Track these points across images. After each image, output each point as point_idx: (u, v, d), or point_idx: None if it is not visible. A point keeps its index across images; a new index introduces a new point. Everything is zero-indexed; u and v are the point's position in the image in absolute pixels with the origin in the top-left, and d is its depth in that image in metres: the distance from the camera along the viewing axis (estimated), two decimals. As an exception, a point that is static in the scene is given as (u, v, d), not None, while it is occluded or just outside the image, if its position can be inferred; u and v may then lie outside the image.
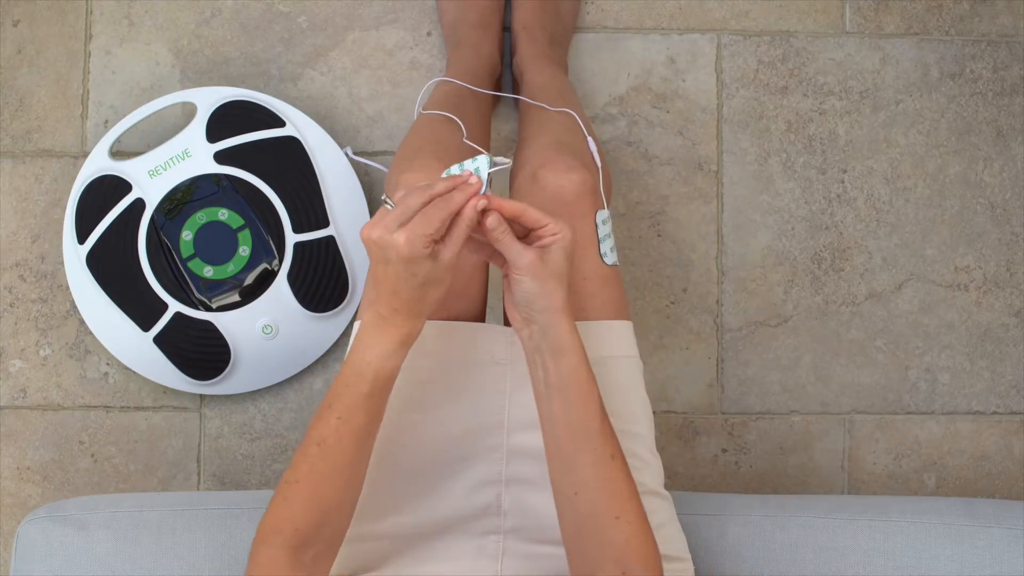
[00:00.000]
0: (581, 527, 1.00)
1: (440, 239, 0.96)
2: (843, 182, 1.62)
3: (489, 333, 1.14)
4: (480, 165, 0.99)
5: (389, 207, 0.97)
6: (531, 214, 0.98)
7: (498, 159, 1.01)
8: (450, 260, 0.97)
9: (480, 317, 1.21)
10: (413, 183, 1.13)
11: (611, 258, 1.17)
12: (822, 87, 1.63)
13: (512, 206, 0.98)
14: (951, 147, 1.63)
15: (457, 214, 0.96)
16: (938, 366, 1.62)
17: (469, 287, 1.19)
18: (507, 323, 1.22)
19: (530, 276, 0.98)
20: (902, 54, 1.63)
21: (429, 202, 0.95)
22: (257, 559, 0.97)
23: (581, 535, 1.00)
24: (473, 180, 0.98)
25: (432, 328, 1.13)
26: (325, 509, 0.99)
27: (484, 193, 0.98)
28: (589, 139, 1.24)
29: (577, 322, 1.12)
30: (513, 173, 1.24)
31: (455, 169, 1.00)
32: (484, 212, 0.97)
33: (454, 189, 0.97)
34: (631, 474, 1.00)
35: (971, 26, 1.64)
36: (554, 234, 0.97)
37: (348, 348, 1.04)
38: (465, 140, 1.16)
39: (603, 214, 1.16)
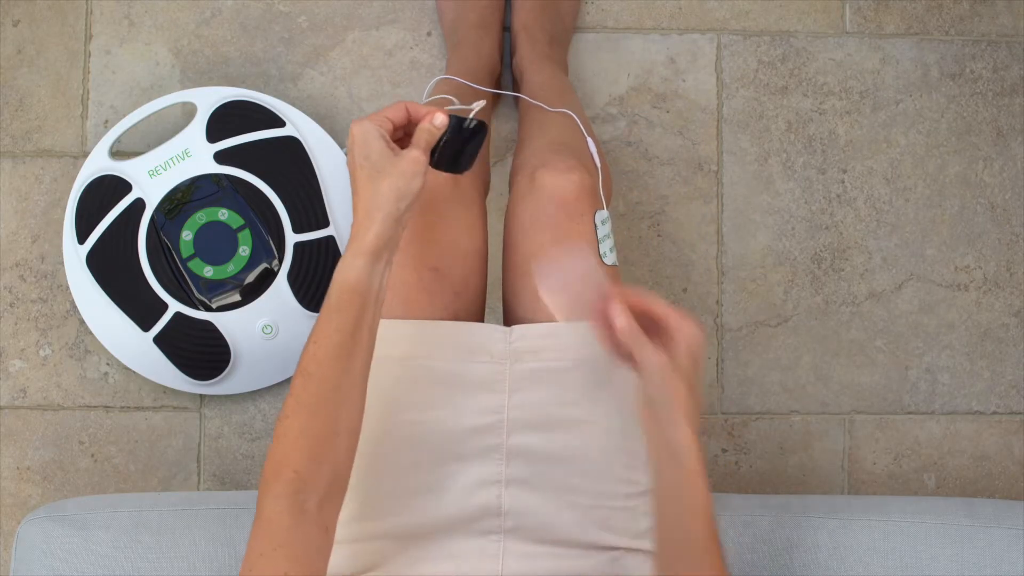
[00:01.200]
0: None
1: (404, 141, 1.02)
2: (843, 182, 1.62)
3: (489, 333, 1.14)
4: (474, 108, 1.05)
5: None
6: (658, 306, 0.95)
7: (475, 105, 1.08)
8: (412, 158, 1.00)
9: (479, 317, 1.21)
10: None
11: (610, 258, 1.17)
12: (822, 87, 1.63)
13: (638, 300, 0.96)
14: (951, 147, 1.63)
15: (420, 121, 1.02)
16: (938, 366, 1.62)
17: (468, 287, 1.18)
18: (507, 323, 1.22)
19: (659, 380, 0.95)
20: (902, 54, 1.63)
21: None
22: (261, 514, 0.95)
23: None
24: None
25: (432, 328, 1.13)
26: (318, 443, 0.96)
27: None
28: (589, 140, 1.24)
29: (572, 322, 1.12)
30: (512, 174, 1.24)
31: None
32: (613, 314, 0.95)
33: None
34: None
35: (971, 26, 1.64)
36: (683, 332, 0.94)
37: None
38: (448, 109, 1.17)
39: (602, 214, 1.16)
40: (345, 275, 0.98)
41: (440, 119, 1.03)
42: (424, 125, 1.03)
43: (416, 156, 1.00)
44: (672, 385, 0.94)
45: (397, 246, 1.02)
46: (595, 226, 1.16)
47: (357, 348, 0.99)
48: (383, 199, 0.99)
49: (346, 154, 1.01)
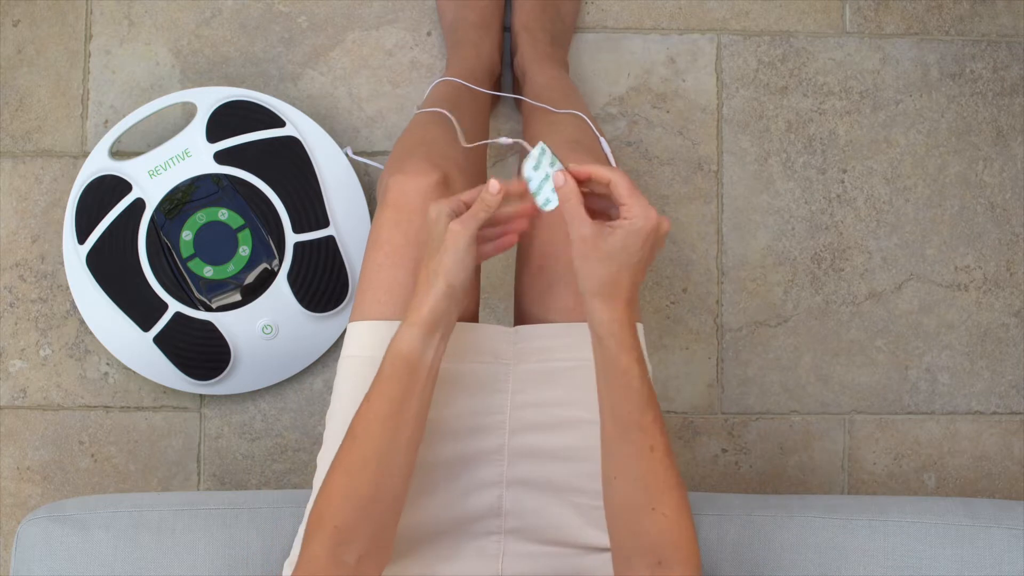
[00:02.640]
0: (618, 514, 1.00)
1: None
2: (843, 182, 1.62)
3: (492, 333, 1.14)
4: (536, 158, 1.00)
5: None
6: (618, 184, 0.95)
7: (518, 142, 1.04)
8: (455, 230, 0.98)
9: (474, 316, 1.21)
10: (402, 186, 1.14)
11: None
12: (822, 87, 1.63)
13: (590, 169, 0.96)
14: (951, 147, 1.63)
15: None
16: (938, 366, 1.62)
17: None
18: (517, 321, 1.22)
19: (577, 252, 0.96)
20: (902, 54, 1.63)
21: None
22: (303, 555, 0.98)
23: (617, 522, 1.01)
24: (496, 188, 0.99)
25: None
26: (362, 503, 0.99)
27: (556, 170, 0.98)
28: (602, 139, 1.24)
29: (580, 322, 1.12)
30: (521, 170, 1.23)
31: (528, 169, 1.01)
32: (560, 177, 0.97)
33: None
34: (673, 466, 0.99)
35: (971, 26, 1.64)
36: (628, 218, 0.94)
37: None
38: (464, 145, 1.17)
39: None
40: (399, 345, 1.00)
41: (493, 186, 0.99)
42: (481, 203, 0.99)
43: (455, 229, 0.98)
44: (590, 262, 0.95)
45: (453, 323, 1.03)
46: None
47: (404, 418, 1.01)
48: (437, 274, 1.00)
49: (433, 227, 1.01)
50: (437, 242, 0.99)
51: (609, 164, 1.19)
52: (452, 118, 1.22)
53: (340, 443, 1.02)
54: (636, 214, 0.94)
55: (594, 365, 1.00)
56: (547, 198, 1.02)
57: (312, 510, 1.01)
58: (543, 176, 1.02)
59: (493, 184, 0.98)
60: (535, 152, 1.01)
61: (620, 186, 0.95)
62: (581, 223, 0.95)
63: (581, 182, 0.97)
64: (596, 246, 0.95)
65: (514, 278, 1.24)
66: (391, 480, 1.02)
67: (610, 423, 1.00)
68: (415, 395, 1.02)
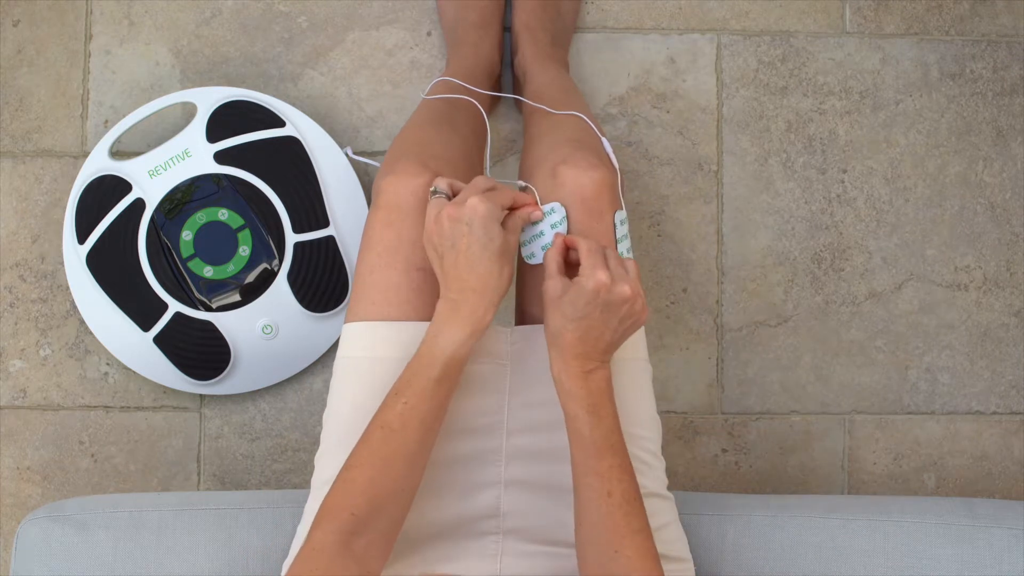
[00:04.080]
0: (586, 557, 1.03)
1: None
2: (843, 182, 1.62)
3: (490, 333, 1.14)
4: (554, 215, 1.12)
5: (439, 195, 1.07)
6: (581, 248, 1.06)
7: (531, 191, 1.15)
8: (515, 243, 1.06)
9: None
10: (394, 187, 1.14)
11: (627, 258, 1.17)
12: (822, 87, 1.63)
13: (572, 240, 1.08)
14: (951, 147, 1.63)
15: (515, 208, 1.08)
16: (938, 366, 1.62)
17: None
18: (518, 321, 1.22)
19: (543, 304, 1.05)
20: (902, 54, 1.63)
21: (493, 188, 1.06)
22: (310, 540, 0.99)
23: (586, 562, 1.03)
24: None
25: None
26: (383, 495, 1.01)
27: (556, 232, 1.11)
28: (603, 139, 1.24)
29: None
30: (530, 170, 1.23)
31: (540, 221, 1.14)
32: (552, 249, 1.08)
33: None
34: (634, 512, 1.02)
35: (971, 26, 1.64)
36: (580, 275, 1.03)
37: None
38: (487, 174, 1.23)
39: (621, 214, 1.16)
40: (456, 351, 1.04)
41: (537, 215, 1.10)
42: (522, 213, 1.09)
43: (516, 243, 1.08)
44: (551, 314, 1.04)
45: None
46: (614, 225, 1.15)
47: (441, 418, 1.05)
48: (504, 283, 1.05)
49: (453, 223, 1.05)
50: (501, 247, 1.04)
51: (612, 165, 1.19)
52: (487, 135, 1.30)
53: (366, 434, 1.03)
54: (584, 274, 1.03)
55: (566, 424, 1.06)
56: (531, 252, 1.14)
57: (330, 496, 1.01)
58: (537, 232, 1.13)
59: (537, 214, 1.11)
60: (559, 212, 1.12)
61: (580, 248, 1.05)
62: (550, 279, 1.05)
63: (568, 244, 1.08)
64: (552, 300, 1.04)
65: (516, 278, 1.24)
66: (415, 477, 1.04)
67: (573, 467, 1.05)
68: (450, 398, 1.06)
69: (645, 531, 1.02)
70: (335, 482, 1.02)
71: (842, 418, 1.62)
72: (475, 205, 1.03)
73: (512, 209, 1.09)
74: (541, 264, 1.15)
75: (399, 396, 1.03)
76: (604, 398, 1.04)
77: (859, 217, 1.62)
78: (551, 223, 1.13)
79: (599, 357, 1.04)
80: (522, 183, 1.17)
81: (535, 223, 1.14)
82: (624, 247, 1.16)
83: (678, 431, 1.60)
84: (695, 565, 1.18)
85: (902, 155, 1.63)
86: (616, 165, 1.19)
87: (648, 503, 1.14)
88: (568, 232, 1.13)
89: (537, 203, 1.13)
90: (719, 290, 1.61)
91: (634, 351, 1.17)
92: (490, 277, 1.03)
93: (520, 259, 1.18)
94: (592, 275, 1.02)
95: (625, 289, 1.02)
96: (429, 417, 1.03)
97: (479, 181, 1.07)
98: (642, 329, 1.19)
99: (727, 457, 1.61)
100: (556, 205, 1.12)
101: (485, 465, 1.11)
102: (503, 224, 1.06)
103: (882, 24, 1.63)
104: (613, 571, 1.00)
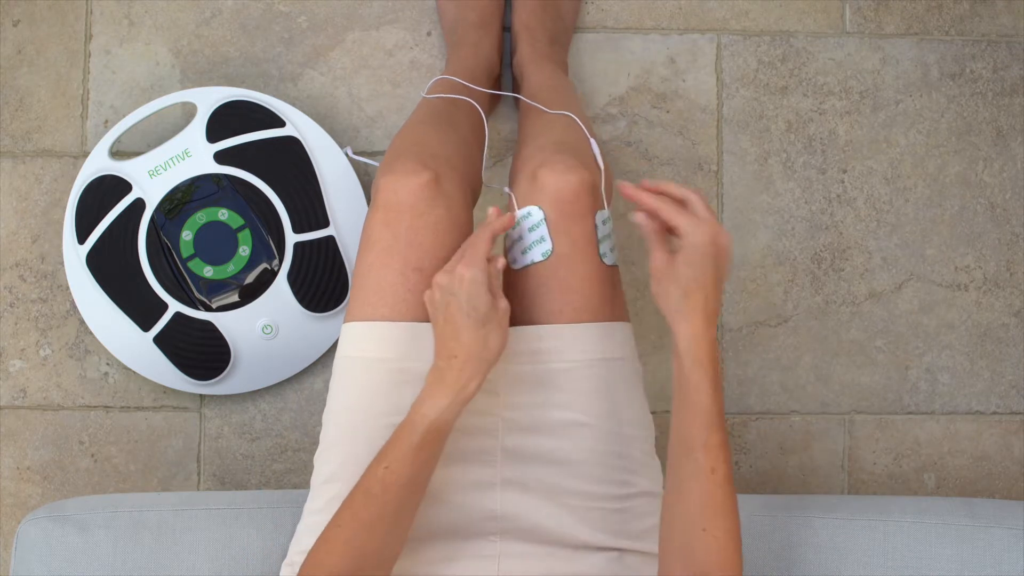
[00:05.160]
0: (671, 529, 1.02)
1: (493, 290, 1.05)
2: (843, 182, 1.62)
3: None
4: (532, 215, 1.12)
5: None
6: (664, 214, 1.03)
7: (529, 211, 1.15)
8: (504, 308, 1.05)
9: None
10: (393, 186, 1.14)
11: (610, 258, 1.17)
12: (822, 87, 1.63)
13: (648, 201, 1.03)
14: (951, 147, 1.63)
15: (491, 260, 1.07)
16: (938, 366, 1.62)
17: None
18: (510, 324, 1.22)
19: (654, 278, 1.03)
20: (902, 54, 1.63)
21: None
22: None
23: (669, 537, 1.02)
24: (494, 215, 1.09)
25: (422, 330, 1.13)
26: (363, 556, 1.01)
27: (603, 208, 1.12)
28: (591, 140, 1.24)
29: (575, 324, 1.12)
30: (513, 173, 1.24)
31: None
32: (635, 204, 1.05)
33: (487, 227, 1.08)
34: (732, 492, 1.01)
35: (971, 26, 1.64)
36: (682, 236, 1.01)
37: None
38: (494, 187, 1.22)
39: (603, 214, 1.16)
40: (439, 417, 1.03)
41: (501, 264, 1.08)
42: (492, 268, 1.07)
43: (507, 308, 1.06)
44: (666, 285, 1.02)
45: None
46: (595, 226, 1.16)
47: (424, 482, 1.05)
48: (490, 352, 1.04)
49: (443, 292, 1.06)
50: (486, 315, 1.03)
51: (596, 167, 1.19)
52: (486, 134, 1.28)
53: (349, 497, 1.03)
54: (688, 231, 1.01)
55: (675, 390, 1.04)
56: (513, 258, 1.16)
57: (310, 556, 1.02)
58: (516, 238, 1.11)
59: (502, 262, 1.08)
60: (536, 216, 1.12)
61: (665, 211, 1.02)
62: (658, 255, 1.03)
63: (651, 213, 1.04)
64: (667, 271, 1.02)
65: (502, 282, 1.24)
66: (398, 539, 1.04)
67: (676, 440, 1.02)
68: (435, 462, 1.05)
69: (736, 512, 1.01)
70: (316, 542, 1.02)
71: (842, 418, 1.62)
72: (461, 274, 1.03)
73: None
74: (523, 268, 1.16)
75: (381, 461, 1.03)
76: (719, 368, 1.03)
77: (859, 217, 1.62)
78: (529, 227, 1.14)
79: (716, 316, 1.03)
80: (507, 189, 1.18)
81: (514, 228, 1.15)
82: (607, 247, 1.16)
83: (678, 431, 1.60)
84: (695, 565, 1.18)
85: (902, 155, 1.63)
86: (602, 167, 1.19)
87: (645, 502, 1.14)
88: (550, 233, 1.13)
89: (515, 207, 1.14)
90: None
91: (626, 350, 1.17)
92: (474, 345, 1.03)
93: (504, 265, 1.18)
94: (700, 228, 1.01)
95: (723, 231, 1.02)
96: (411, 483, 1.03)
97: (467, 241, 1.08)
98: (630, 326, 1.19)
99: (727, 457, 1.61)
100: (533, 209, 1.13)
101: (481, 466, 1.11)
102: (493, 287, 1.06)
103: (882, 24, 1.64)
104: (695, 548, 0.99)
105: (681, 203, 1.04)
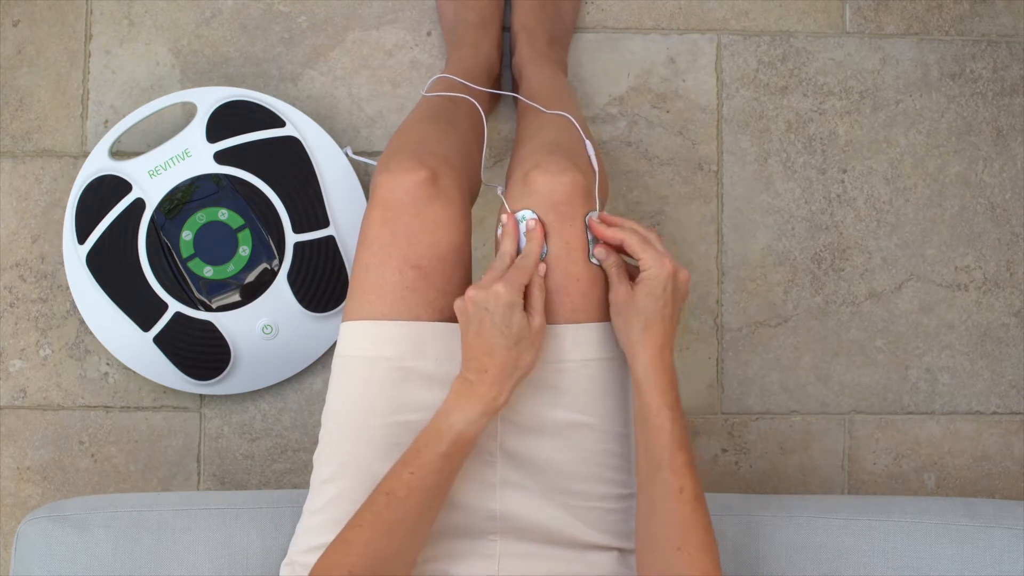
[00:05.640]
0: (648, 550, 1.05)
1: (526, 307, 1.07)
2: (843, 182, 1.62)
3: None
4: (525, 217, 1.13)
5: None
6: (628, 245, 1.09)
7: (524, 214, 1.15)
8: (539, 326, 1.07)
9: None
10: (390, 184, 1.14)
11: None
12: (822, 87, 1.63)
13: (613, 235, 1.10)
14: (951, 147, 1.63)
15: (531, 281, 1.08)
16: (938, 366, 1.62)
17: (452, 284, 1.17)
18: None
19: (614, 309, 1.09)
20: (902, 54, 1.63)
21: (511, 265, 1.09)
22: None
23: (648, 558, 1.05)
24: (534, 227, 1.11)
25: (421, 328, 1.13)
26: (382, 559, 1.02)
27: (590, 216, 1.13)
28: (587, 142, 1.24)
29: (566, 325, 1.13)
30: (508, 174, 1.24)
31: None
32: (597, 243, 1.11)
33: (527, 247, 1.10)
34: (701, 508, 1.05)
35: (971, 26, 1.64)
36: (644, 269, 1.08)
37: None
38: (490, 186, 1.22)
39: (594, 215, 1.16)
40: (466, 428, 1.05)
41: (543, 269, 1.10)
42: (536, 282, 1.09)
43: (542, 326, 1.08)
44: (628, 318, 1.08)
45: None
46: (586, 227, 1.15)
47: (445, 490, 1.06)
48: (521, 370, 1.07)
49: (476, 307, 1.07)
50: (519, 334, 1.05)
51: (594, 171, 1.19)
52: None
53: (370, 499, 1.04)
54: (650, 264, 1.07)
55: (633, 409, 1.09)
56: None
57: (328, 554, 1.03)
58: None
59: (543, 268, 1.10)
60: (523, 219, 1.13)
61: (631, 243, 1.09)
62: (621, 288, 1.10)
63: (615, 247, 1.11)
64: (628, 304, 1.08)
65: None
66: (415, 546, 1.05)
67: (643, 463, 1.07)
68: (457, 472, 1.07)
69: (709, 527, 1.05)
70: (334, 541, 1.03)
71: (842, 418, 1.62)
72: (498, 292, 1.05)
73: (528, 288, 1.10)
74: None
75: (407, 465, 1.04)
76: (678, 391, 1.08)
77: (859, 217, 1.62)
78: (522, 230, 1.14)
79: (672, 344, 1.08)
80: (500, 191, 1.18)
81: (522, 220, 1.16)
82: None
83: (678, 431, 1.60)
84: (695, 565, 1.18)
85: (902, 155, 1.63)
86: (596, 168, 1.19)
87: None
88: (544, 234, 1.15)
89: (506, 208, 1.14)
90: (719, 290, 1.61)
91: (617, 350, 1.17)
92: (507, 363, 1.05)
93: None
94: (660, 263, 1.07)
95: (681, 268, 1.08)
96: (434, 489, 1.04)
97: (497, 263, 1.10)
98: (608, 325, 1.19)
99: (727, 457, 1.61)
100: (527, 212, 1.13)
101: (480, 466, 1.11)
102: (528, 306, 1.08)
103: (882, 24, 1.64)
104: (675, 566, 1.02)
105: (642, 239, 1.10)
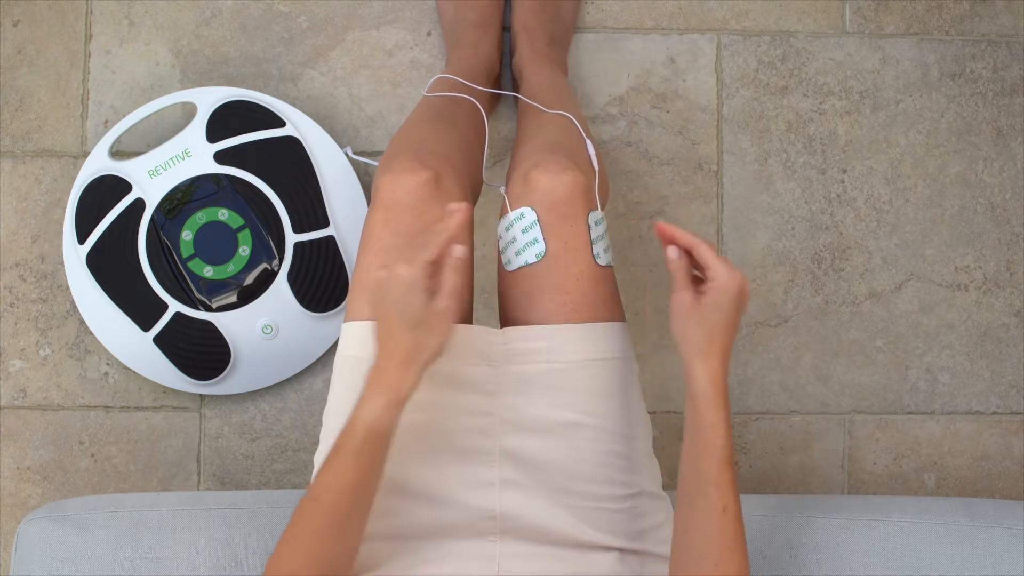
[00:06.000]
0: (682, 565, 1.03)
1: (435, 289, 1.00)
2: (843, 182, 1.62)
3: (481, 335, 1.14)
4: (524, 215, 1.11)
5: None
6: (700, 251, 1.04)
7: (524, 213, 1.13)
8: (443, 309, 1.00)
9: (468, 317, 1.21)
10: (391, 184, 1.14)
11: (604, 259, 1.17)
12: (822, 87, 1.63)
13: (686, 239, 1.04)
14: (951, 147, 1.63)
15: (442, 259, 1.00)
16: (938, 366, 1.62)
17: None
18: (502, 324, 1.22)
19: (676, 316, 1.04)
20: (902, 54, 1.63)
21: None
22: None
23: (681, 570, 1.03)
24: (455, 209, 1.02)
25: None
26: (322, 565, 1.00)
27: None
28: (587, 141, 1.24)
29: (570, 324, 1.12)
30: (508, 173, 1.24)
31: (501, 227, 1.13)
32: (663, 242, 1.05)
33: (444, 220, 1.02)
34: (741, 529, 1.03)
35: (971, 26, 1.64)
36: (714, 279, 1.03)
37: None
38: (492, 186, 1.20)
39: (595, 215, 1.16)
40: (375, 421, 1.00)
41: (459, 251, 1.01)
42: (449, 264, 1.01)
43: (444, 308, 1.00)
44: (689, 325, 1.03)
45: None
46: (588, 227, 1.15)
47: (370, 485, 1.03)
48: (424, 354, 1.01)
49: (378, 289, 1.01)
50: (419, 316, 0.99)
51: (594, 169, 1.19)
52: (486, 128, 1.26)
53: (299, 506, 1.02)
54: (723, 275, 1.02)
55: (686, 427, 1.05)
56: (508, 259, 1.14)
57: (271, 560, 1.01)
58: (510, 239, 1.10)
59: (459, 249, 1.01)
60: (529, 217, 1.11)
61: (702, 251, 1.04)
62: (685, 293, 1.04)
63: (686, 250, 1.05)
64: (692, 311, 1.03)
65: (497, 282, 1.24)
66: (350, 544, 1.03)
67: (690, 477, 1.04)
68: (380, 463, 1.03)
69: (745, 548, 1.03)
70: (272, 556, 1.02)
71: (842, 418, 1.62)
72: (398, 272, 0.98)
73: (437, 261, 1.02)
74: (517, 270, 1.15)
75: (327, 468, 1.01)
76: (730, 408, 1.05)
77: (859, 217, 1.62)
78: (522, 228, 1.13)
79: (729, 359, 1.05)
80: (501, 189, 1.18)
81: (508, 229, 1.14)
82: (600, 247, 1.16)
83: (678, 431, 1.60)
84: (695, 565, 1.18)
85: (902, 155, 1.63)
86: (597, 168, 1.19)
87: (644, 502, 1.14)
88: (543, 235, 1.13)
89: (507, 207, 1.13)
90: (719, 290, 1.61)
91: (622, 349, 1.17)
92: (409, 347, 1.00)
93: (499, 266, 1.18)
94: (732, 274, 1.03)
95: (747, 282, 1.05)
96: (353, 488, 1.01)
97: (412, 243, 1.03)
98: (626, 326, 1.19)
99: (727, 457, 1.61)
100: (526, 210, 1.12)
101: (480, 466, 1.11)
102: (437, 285, 1.01)
103: (882, 24, 1.64)
104: None
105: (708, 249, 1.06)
